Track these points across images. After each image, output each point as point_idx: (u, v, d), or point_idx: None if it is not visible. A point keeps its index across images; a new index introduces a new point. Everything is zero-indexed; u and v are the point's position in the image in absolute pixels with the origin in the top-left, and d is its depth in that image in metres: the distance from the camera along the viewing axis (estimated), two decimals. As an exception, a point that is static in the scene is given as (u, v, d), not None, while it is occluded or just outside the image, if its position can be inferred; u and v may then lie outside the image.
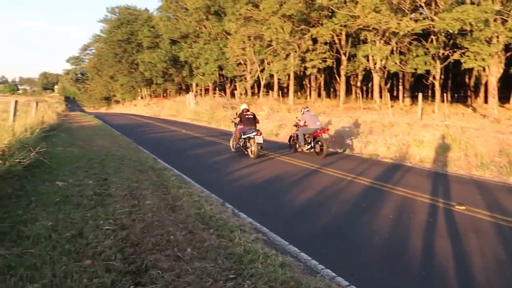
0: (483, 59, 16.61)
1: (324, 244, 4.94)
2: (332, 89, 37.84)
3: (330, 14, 25.01)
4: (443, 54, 20.92)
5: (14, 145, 8.33)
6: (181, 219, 5.28)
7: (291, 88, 31.56)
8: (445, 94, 19.52)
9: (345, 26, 23.96)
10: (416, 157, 12.02)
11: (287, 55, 28.66)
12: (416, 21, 19.84)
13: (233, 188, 8.08)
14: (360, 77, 31.00)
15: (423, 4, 19.49)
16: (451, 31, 17.37)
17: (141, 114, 45.73)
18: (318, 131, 12.28)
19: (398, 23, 19.31)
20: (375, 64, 24.62)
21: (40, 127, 13.85)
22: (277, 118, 21.34)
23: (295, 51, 27.54)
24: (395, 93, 32.54)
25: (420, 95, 18.09)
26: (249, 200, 7.05)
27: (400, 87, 29.05)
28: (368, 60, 25.18)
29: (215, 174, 9.54)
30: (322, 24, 25.20)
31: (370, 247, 4.88)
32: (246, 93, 39.51)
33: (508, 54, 19.12)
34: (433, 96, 23.67)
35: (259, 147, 11.65)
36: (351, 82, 34.17)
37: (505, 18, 16.08)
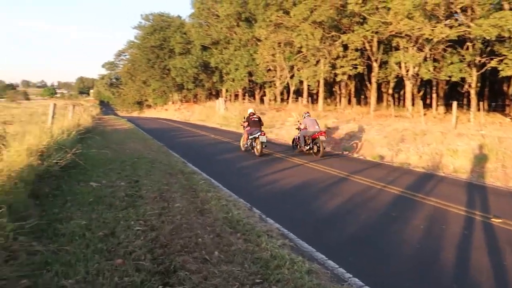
0: (522, 67, 15.97)
1: (352, 252, 4.87)
2: (362, 96, 37.28)
3: (361, 20, 24.73)
4: (479, 61, 20.24)
5: (52, 146, 8.69)
6: (209, 223, 5.35)
7: (321, 95, 31.33)
8: (481, 103, 18.87)
9: (376, 32, 23.62)
10: (449, 167, 11.66)
11: (317, 62, 28.51)
12: (451, 27, 19.31)
13: (261, 193, 8.10)
14: (391, 84, 30.37)
15: (458, 10, 18.98)
16: (488, 38, 16.81)
17: (172, 118, 46.61)
18: (316, 133, 13.41)
19: (432, 30, 18.87)
20: (407, 71, 24.11)
21: (76, 129, 14.38)
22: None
23: (325, 58, 27.37)
24: (428, 101, 31.70)
25: (454, 103, 17.54)
26: (277, 206, 7.05)
27: (434, 95, 28.28)
28: (400, 67, 24.69)
29: (243, 179, 9.60)
30: (353, 31, 24.95)
31: (399, 256, 4.77)
32: (275, 99, 39.53)
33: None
34: (469, 104, 22.91)
35: (263, 146, 13.24)
36: (383, 89, 33.54)
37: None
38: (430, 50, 22.07)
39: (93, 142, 13.84)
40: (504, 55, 16.67)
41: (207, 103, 47.75)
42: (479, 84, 23.63)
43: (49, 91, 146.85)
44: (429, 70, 21.95)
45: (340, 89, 34.20)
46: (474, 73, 20.54)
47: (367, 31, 23.51)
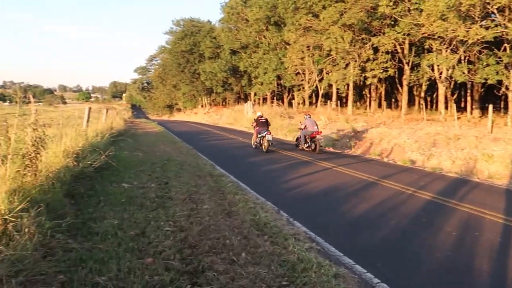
0: None
1: (380, 258, 4.79)
2: (393, 100, 36.54)
3: (392, 22, 24.29)
4: (517, 63, 19.44)
5: (86, 149, 9.02)
6: (237, 225, 5.40)
7: (350, 98, 30.98)
8: (519, 106, 18.11)
9: (408, 34, 23.13)
10: (484, 172, 11.27)
11: (347, 65, 28.22)
12: (487, 28, 18.66)
13: (288, 196, 8.09)
14: (424, 87, 29.59)
15: (495, 11, 18.32)
16: (527, 39, 16.14)
17: (201, 122, 47.27)
18: (314, 133, 15.28)
19: (467, 31, 18.30)
20: (440, 73, 23.46)
21: (109, 132, 14.84)
22: (335, 128, 21.05)
23: (355, 61, 27.05)
24: (462, 104, 30.70)
25: (490, 107, 16.92)
26: (304, 209, 7.03)
27: (468, 98, 27.34)
28: (433, 70, 24.05)
29: (271, 182, 9.62)
30: (384, 33, 24.56)
31: (430, 263, 4.66)
32: (303, 103, 39.38)
33: None
34: (506, 107, 22.04)
35: (270, 143, 15.34)
36: (414, 92, 32.74)
37: None
38: (464, 52, 21.38)
39: (125, 144, 14.24)
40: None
41: (236, 106, 48.11)
42: (517, 87, 22.68)
43: (84, 95, 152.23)
44: (463, 73, 21.26)
45: (370, 92, 33.68)
46: (512, 75, 19.75)
47: (399, 33, 23.07)
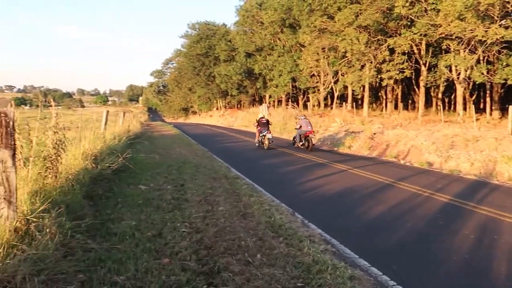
0: None
1: (396, 260, 4.76)
2: (410, 101, 36.10)
3: (409, 23, 24.03)
4: (538, 63, 19.01)
5: (104, 151, 9.21)
6: (252, 226, 5.44)
7: (366, 100, 30.72)
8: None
9: (425, 35, 22.84)
10: (504, 174, 11.04)
11: (362, 66, 28.02)
12: (506, 28, 18.30)
13: (303, 198, 8.09)
14: (441, 88, 29.15)
15: (515, 10, 17.98)
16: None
17: (216, 124, 47.56)
18: (307, 132, 16.82)
19: (486, 31, 17.99)
20: (458, 74, 23.09)
21: (126, 135, 15.10)
22: (350, 130, 20.91)
23: (371, 62, 26.84)
24: (481, 105, 30.14)
25: (511, 108, 16.60)
26: (319, 211, 7.02)
27: (487, 99, 26.83)
28: (450, 71, 23.69)
29: (286, 184, 9.63)
30: (400, 34, 24.31)
31: (447, 266, 4.60)
32: (318, 105, 39.22)
33: None
34: (527, 108, 21.53)
35: (270, 141, 17.42)
36: (431, 94, 32.27)
37: None
38: (483, 52, 21.00)
39: (141, 147, 14.45)
40: None
41: (251, 109, 48.26)
42: (538, 87, 22.17)
43: (101, 99, 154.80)
44: (482, 73, 20.88)
45: (386, 94, 33.35)
46: (533, 75, 19.31)
47: (415, 34, 22.80)
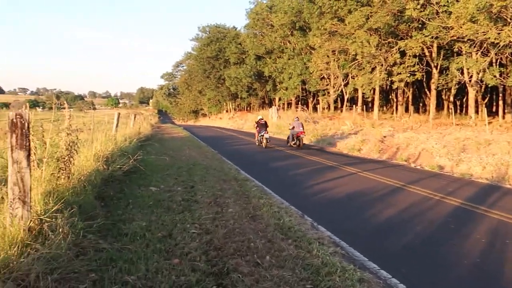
0: None
1: (406, 263, 4.73)
2: (421, 104, 35.82)
3: (420, 25, 23.90)
4: (553, 65, 18.75)
5: (116, 153, 9.31)
6: (261, 228, 5.46)
7: (376, 103, 30.57)
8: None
9: (436, 37, 22.68)
10: (517, 178, 10.89)
11: (373, 69, 27.91)
12: (519, 30, 18.10)
13: (312, 201, 8.08)
14: (453, 91, 28.85)
15: (528, 12, 17.75)
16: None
17: (225, 127, 47.68)
18: (299, 132, 18.89)
19: (498, 33, 17.80)
20: (470, 77, 22.87)
21: (137, 137, 15.23)
22: (360, 133, 20.82)
23: (381, 65, 26.72)
24: (493, 109, 29.80)
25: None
26: (329, 214, 7.01)
27: (500, 102, 26.51)
28: (462, 73, 23.47)
29: (296, 187, 9.62)
30: (411, 36, 24.17)
31: (457, 270, 4.57)
32: (328, 107, 39.14)
33: None
34: (541, 112, 21.24)
35: (267, 140, 19.29)
36: (443, 97, 32.00)
37: None
38: (496, 54, 20.79)
39: (152, 149, 14.56)
40: None
41: (260, 111, 48.25)
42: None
43: (112, 101, 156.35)
44: (494, 76, 20.66)
45: (396, 97, 33.15)
46: (547, 78, 19.04)
47: (426, 36, 22.65)
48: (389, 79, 27.30)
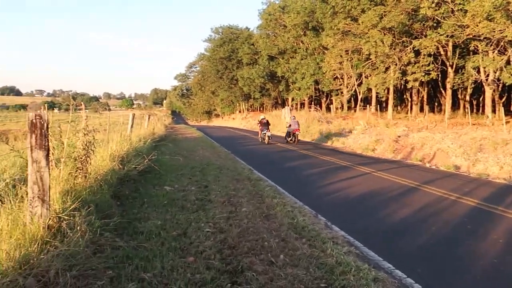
0: None
1: (421, 263, 4.69)
2: (436, 103, 35.33)
3: (435, 24, 23.56)
4: None
5: (131, 153, 9.44)
6: (275, 227, 5.48)
7: (390, 102, 30.28)
8: None
9: (452, 36, 22.35)
10: (535, 179, 10.68)
11: (387, 68, 27.64)
12: (538, 27, 17.73)
13: (326, 200, 8.06)
14: (469, 90, 28.41)
15: (547, 9, 17.37)
16: None
17: (238, 127, 47.80)
18: (294, 130, 21.39)
19: (516, 31, 17.47)
20: (487, 76, 22.47)
21: (151, 137, 15.40)
22: (374, 133, 20.66)
23: (395, 64, 26.45)
24: (511, 108, 29.22)
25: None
26: (343, 213, 6.99)
27: (518, 101, 26.01)
28: (478, 72, 23.09)
29: (309, 187, 9.61)
30: (426, 35, 23.87)
31: (474, 271, 4.51)
32: (342, 108, 38.91)
33: None
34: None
35: (269, 138, 21.34)
36: (459, 96, 31.50)
37: None
38: (513, 52, 20.39)
39: (166, 149, 14.70)
40: None
41: (273, 112, 48.30)
42: None
43: (127, 102, 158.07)
44: (512, 75, 20.26)
45: (411, 96, 32.76)
46: None
47: (441, 35, 22.33)
48: (404, 78, 27.00)
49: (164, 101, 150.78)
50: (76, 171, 5.38)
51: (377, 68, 27.94)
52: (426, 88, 32.14)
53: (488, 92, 22.84)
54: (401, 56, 25.73)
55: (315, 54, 40.09)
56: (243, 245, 4.61)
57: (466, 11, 19.62)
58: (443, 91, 29.20)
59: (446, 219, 6.65)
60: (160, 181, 8.43)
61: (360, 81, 33.19)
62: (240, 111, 66.66)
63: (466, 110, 26.43)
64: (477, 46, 21.68)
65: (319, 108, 39.87)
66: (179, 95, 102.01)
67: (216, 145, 20.30)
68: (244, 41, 57.53)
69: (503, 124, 17.32)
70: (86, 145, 5.54)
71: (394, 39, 25.40)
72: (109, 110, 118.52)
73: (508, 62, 20.90)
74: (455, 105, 30.59)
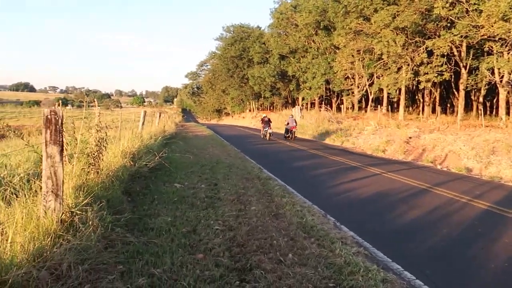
0: None
1: (430, 265, 4.67)
2: (448, 105, 34.92)
3: (448, 24, 23.28)
4: None
5: (142, 150, 9.53)
6: (284, 226, 5.49)
7: (402, 103, 30.00)
8: None
9: (466, 37, 22.06)
10: (549, 182, 10.52)
11: (399, 69, 27.40)
12: (554, 28, 17.44)
13: (336, 201, 8.05)
14: (482, 92, 27.99)
15: None
16: None
17: (248, 126, 47.84)
18: (292, 127, 24.03)
19: (532, 32, 17.20)
20: (501, 77, 22.13)
21: (162, 135, 15.52)
22: (385, 134, 20.52)
23: (408, 64, 26.22)
24: (526, 110, 28.76)
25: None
26: (352, 214, 6.97)
27: (533, 103, 25.59)
28: (493, 73, 22.75)
29: (319, 187, 9.60)
30: (439, 36, 23.60)
31: (484, 274, 4.48)
32: (352, 108, 38.70)
33: None
34: None
35: (270, 135, 23.56)
36: (472, 97, 31.10)
37: None
38: (529, 54, 20.07)
39: (176, 146, 14.80)
40: None
41: (283, 111, 48.23)
42: None
43: (138, 100, 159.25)
44: (527, 76, 19.93)
45: (423, 97, 32.46)
46: None
47: (455, 35, 22.05)
48: (416, 79, 26.75)
49: (175, 99, 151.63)
50: (89, 166, 5.46)
51: (389, 68, 27.72)
52: (438, 89, 31.78)
53: (502, 94, 22.49)
54: (413, 57, 25.49)
55: (326, 53, 39.92)
56: (252, 243, 4.63)
57: (481, 11, 19.37)
58: (456, 92, 28.87)
59: (456, 222, 6.59)
60: (171, 178, 8.49)
61: (371, 81, 32.97)
62: (250, 110, 66.71)
63: (479, 111, 26.08)
64: (492, 47, 21.38)
65: (329, 108, 39.69)
66: (189, 93, 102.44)
67: (226, 144, 20.35)
68: (255, 40, 57.51)
69: (517, 127, 17.06)
70: (98, 141, 5.62)
71: (406, 39, 25.16)
72: (121, 107, 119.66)
73: (523, 64, 20.55)
74: (468, 107, 30.20)
